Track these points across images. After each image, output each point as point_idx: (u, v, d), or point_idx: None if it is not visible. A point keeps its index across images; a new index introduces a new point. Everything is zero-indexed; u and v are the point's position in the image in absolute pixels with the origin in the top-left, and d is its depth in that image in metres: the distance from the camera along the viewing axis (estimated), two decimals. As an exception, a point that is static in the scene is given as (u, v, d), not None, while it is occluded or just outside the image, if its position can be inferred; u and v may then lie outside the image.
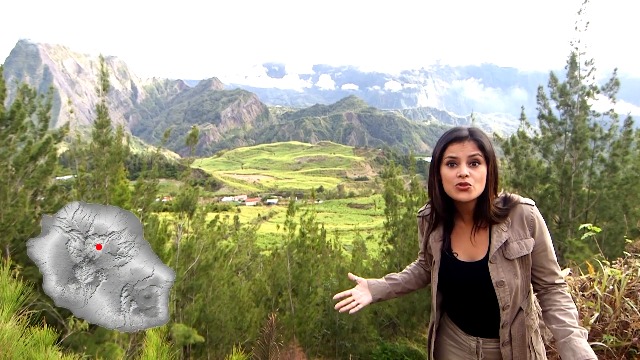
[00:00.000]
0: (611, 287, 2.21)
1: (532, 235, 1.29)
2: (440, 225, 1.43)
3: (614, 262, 2.56)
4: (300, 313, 7.70)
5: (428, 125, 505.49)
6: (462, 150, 1.27)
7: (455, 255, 1.38)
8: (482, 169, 1.27)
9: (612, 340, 1.96)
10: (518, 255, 1.28)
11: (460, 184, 1.27)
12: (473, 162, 1.27)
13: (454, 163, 1.29)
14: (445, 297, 1.45)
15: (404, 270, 1.70)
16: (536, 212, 1.31)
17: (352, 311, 1.57)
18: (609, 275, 2.27)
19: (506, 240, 1.29)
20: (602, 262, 2.42)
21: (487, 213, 1.30)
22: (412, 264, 1.71)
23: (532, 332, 1.34)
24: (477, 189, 1.27)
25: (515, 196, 1.32)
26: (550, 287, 1.31)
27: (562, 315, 1.25)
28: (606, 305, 2.12)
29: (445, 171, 1.30)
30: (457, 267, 1.37)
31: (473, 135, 1.28)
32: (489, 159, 1.29)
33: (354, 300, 1.58)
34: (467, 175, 1.26)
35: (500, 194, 1.34)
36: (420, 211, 1.54)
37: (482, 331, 1.37)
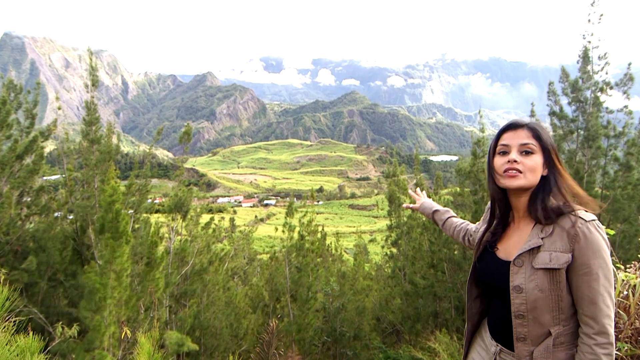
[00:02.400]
0: (625, 292, 2.21)
1: (572, 252, 1.18)
2: (497, 221, 1.44)
3: (628, 266, 2.55)
4: (300, 320, 7.70)
5: (433, 122, 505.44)
6: (515, 138, 1.29)
7: (495, 250, 1.39)
8: (536, 159, 1.26)
9: (626, 348, 1.96)
10: (544, 266, 1.20)
11: (508, 169, 1.27)
12: (525, 152, 1.27)
13: (505, 151, 1.30)
14: (484, 294, 1.48)
15: (454, 220, 1.85)
16: (587, 229, 1.18)
17: (405, 205, 2.17)
18: (623, 280, 2.27)
19: (539, 247, 1.23)
20: (616, 266, 2.42)
21: (537, 210, 1.26)
22: (467, 222, 1.79)
23: None
24: (528, 177, 1.26)
25: (575, 206, 1.24)
26: (584, 327, 1.20)
27: None
28: (620, 311, 2.12)
29: (496, 160, 1.32)
30: (491, 261, 1.38)
31: (529, 125, 1.29)
32: (547, 151, 1.27)
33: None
34: (515, 161, 1.26)
35: (561, 200, 1.26)
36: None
37: (503, 339, 1.35)
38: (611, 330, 1.17)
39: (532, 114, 7.88)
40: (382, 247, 10.28)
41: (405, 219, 9.08)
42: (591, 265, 1.17)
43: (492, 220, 1.45)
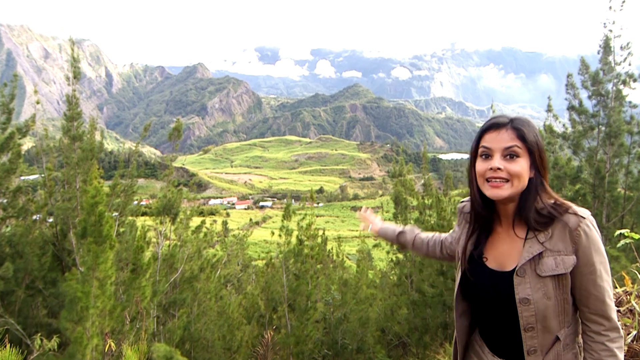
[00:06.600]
0: (651, 301, 2.21)
1: (576, 253, 1.22)
2: (478, 229, 1.42)
3: (653, 273, 2.56)
4: (298, 331, 7.70)
5: (443, 117, 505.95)
6: (497, 140, 1.26)
7: (484, 260, 1.37)
8: (521, 163, 1.24)
9: (651, 361, 1.96)
10: (552, 272, 1.23)
11: (492, 178, 1.26)
12: (510, 155, 1.25)
13: (487, 155, 1.28)
14: (473, 309, 1.45)
15: (422, 235, 1.81)
16: (586, 226, 1.22)
17: (362, 227, 2.06)
18: (648, 288, 2.27)
19: (541, 253, 1.24)
20: (641, 274, 2.42)
21: (528, 217, 1.27)
22: (437, 234, 1.76)
23: None
24: (515, 185, 1.25)
25: (567, 204, 1.27)
26: (593, 326, 1.25)
27: None
28: (645, 322, 2.12)
29: (478, 163, 1.30)
30: (483, 273, 1.36)
31: (513, 123, 1.26)
32: (533, 152, 1.26)
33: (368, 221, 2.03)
34: (499, 169, 1.24)
35: (549, 199, 1.28)
36: (462, 202, 1.55)
37: (509, 354, 1.35)
38: (619, 324, 1.25)
39: (549, 109, 7.89)
40: (387, 252, 10.27)
41: (412, 222, 9.09)
42: (595, 263, 1.22)
43: (473, 226, 1.42)
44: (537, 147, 1.26)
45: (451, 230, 1.68)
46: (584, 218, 1.23)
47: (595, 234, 1.23)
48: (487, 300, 1.35)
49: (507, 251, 1.33)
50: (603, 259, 1.23)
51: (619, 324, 1.25)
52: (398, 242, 1.90)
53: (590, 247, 1.21)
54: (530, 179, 1.27)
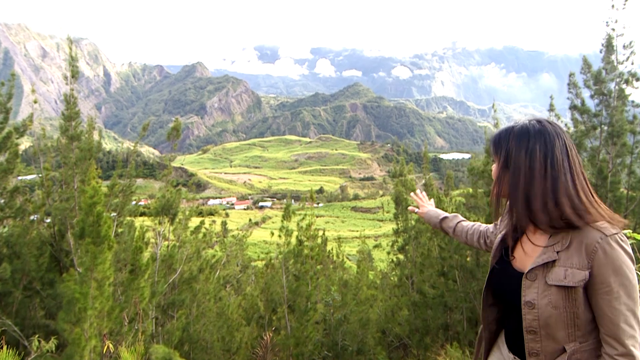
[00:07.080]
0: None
1: (591, 269, 1.18)
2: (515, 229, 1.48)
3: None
4: (298, 332, 7.70)
5: (444, 117, 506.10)
6: None
7: (511, 259, 1.43)
8: (494, 168, 1.41)
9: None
10: (558, 283, 1.21)
11: None
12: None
13: None
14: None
15: (464, 223, 1.91)
16: (607, 244, 1.18)
17: (410, 207, 2.19)
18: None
19: (554, 262, 1.24)
20: (643, 274, 2.42)
21: (513, 218, 1.37)
22: (477, 224, 1.86)
23: None
24: (495, 184, 1.40)
25: (598, 216, 1.23)
26: (607, 348, 1.21)
27: None
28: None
29: None
30: (504, 271, 1.43)
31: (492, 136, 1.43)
32: (502, 157, 1.36)
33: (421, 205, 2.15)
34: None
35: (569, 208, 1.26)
36: None
37: (520, 352, 1.39)
38: (636, 352, 1.18)
39: (551, 108, 7.88)
40: (388, 253, 10.28)
41: (413, 222, 9.09)
42: (611, 284, 1.17)
43: (511, 226, 1.50)
44: (500, 151, 1.35)
45: (493, 223, 1.74)
46: (606, 236, 1.19)
47: (619, 254, 1.17)
48: (501, 296, 1.44)
49: (529, 253, 1.37)
50: (625, 281, 1.16)
51: (636, 353, 1.18)
52: (441, 227, 1.98)
53: (607, 266, 1.17)
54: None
